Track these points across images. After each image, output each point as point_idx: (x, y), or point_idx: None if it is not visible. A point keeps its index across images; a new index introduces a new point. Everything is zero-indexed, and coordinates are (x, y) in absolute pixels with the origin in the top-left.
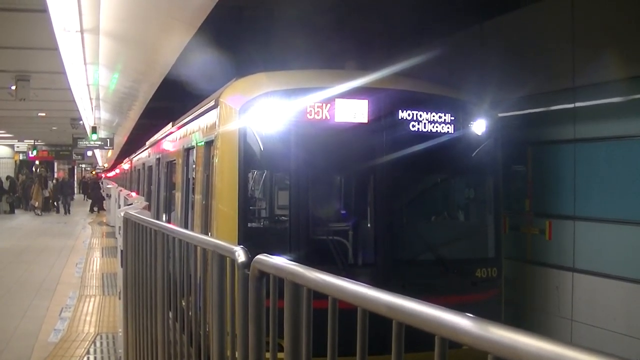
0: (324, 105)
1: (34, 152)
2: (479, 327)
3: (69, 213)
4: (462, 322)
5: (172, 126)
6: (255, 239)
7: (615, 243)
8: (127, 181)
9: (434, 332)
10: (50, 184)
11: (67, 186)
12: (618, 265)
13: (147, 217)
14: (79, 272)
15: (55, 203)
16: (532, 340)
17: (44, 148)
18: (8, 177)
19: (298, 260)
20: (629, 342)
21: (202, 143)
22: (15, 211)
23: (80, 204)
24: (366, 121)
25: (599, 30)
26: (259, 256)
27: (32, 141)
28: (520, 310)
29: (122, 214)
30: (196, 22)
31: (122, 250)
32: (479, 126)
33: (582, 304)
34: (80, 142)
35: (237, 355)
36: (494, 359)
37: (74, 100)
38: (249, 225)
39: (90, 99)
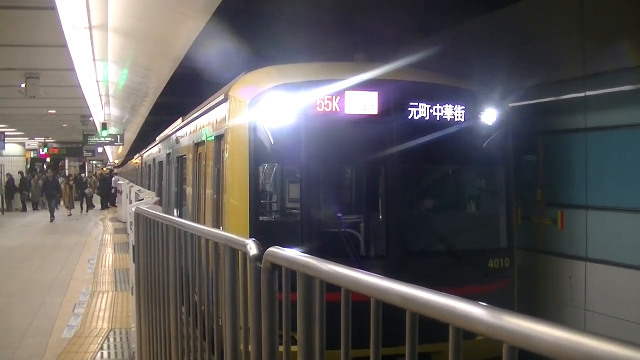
0: (334, 97)
1: (45, 150)
2: (493, 316)
3: (53, 219)
4: (476, 311)
5: (182, 121)
6: (266, 233)
7: (628, 232)
8: (138, 177)
9: (448, 322)
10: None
11: (51, 187)
12: (631, 254)
13: (159, 213)
14: (91, 268)
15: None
16: (547, 329)
17: (54, 145)
18: (20, 172)
19: (310, 253)
20: None
21: (213, 137)
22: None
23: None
24: (376, 113)
25: (609, 17)
26: (271, 249)
27: (43, 139)
28: (533, 300)
29: (134, 209)
30: (204, 16)
31: (134, 246)
32: (489, 117)
33: (596, 293)
34: (91, 139)
35: (250, 349)
36: (509, 348)
37: (83, 98)
38: (261, 219)
39: (100, 95)
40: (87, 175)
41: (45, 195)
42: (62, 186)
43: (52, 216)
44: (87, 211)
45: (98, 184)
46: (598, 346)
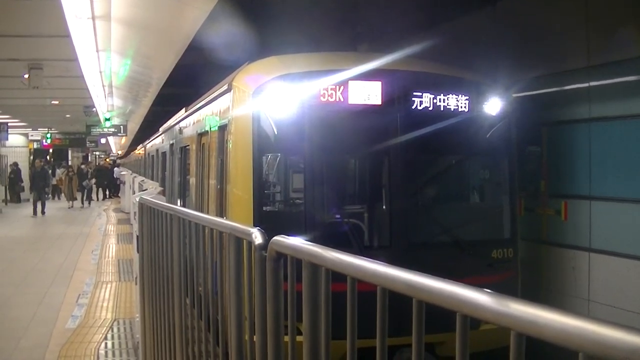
0: (338, 87)
1: (48, 140)
2: (500, 303)
3: (43, 214)
4: (483, 298)
5: (185, 112)
6: (270, 223)
7: (632, 222)
8: (141, 167)
9: (454, 309)
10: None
11: (40, 177)
12: (635, 244)
13: (162, 202)
14: (95, 258)
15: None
16: (555, 316)
17: (57, 136)
18: (15, 163)
19: (313, 242)
20: None
21: (216, 127)
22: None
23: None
24: (380, 103)
25: (613, 7)
26: (276, 237)
27: (46, 129)
28: (537, 291)
29: (137, 199)
30: (208, 5)
31: (137, 236)
32: (493, 107)
33: (599, 284)
34: (94, 129)
35: (254, 339)
36: (517, 335)
37: (86, 88)
38: (264, 208)
39: (103, 86)
40: (85, 167)
41: (32, 187)
42: (62, 177)
43: (35, 210)
44: (89, 203)
45: (95, 173)
46: (605, 332)
